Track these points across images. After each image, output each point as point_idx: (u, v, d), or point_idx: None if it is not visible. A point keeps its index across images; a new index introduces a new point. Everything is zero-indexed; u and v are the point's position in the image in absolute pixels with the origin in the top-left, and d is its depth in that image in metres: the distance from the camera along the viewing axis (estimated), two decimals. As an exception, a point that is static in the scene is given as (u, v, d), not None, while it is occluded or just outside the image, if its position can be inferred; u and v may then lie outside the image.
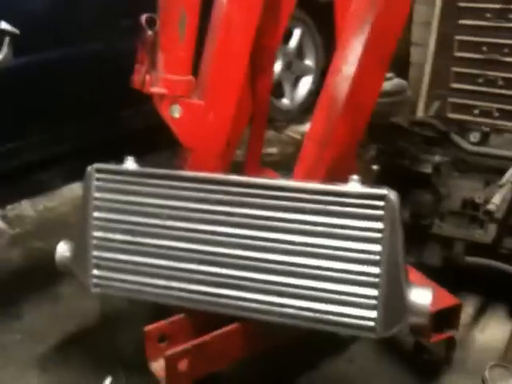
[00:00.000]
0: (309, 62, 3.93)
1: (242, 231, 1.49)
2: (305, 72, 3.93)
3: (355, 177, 1.42)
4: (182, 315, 1.60)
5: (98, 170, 1.60)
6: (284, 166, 2.74)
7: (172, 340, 1.58)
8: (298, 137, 3.62)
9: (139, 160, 1.61)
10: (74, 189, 2.82)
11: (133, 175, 1.59)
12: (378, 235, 1.39)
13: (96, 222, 1.60)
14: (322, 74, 3.86)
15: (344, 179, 1.44)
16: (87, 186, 1.60)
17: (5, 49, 1.57)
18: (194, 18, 1.66)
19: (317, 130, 1.70)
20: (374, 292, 1.40)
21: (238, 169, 2.32)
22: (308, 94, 3.91)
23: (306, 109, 3.84)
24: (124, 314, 1.98)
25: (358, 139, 1.74)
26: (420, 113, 2.99)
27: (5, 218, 2.66)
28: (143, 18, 1.60)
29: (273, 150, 3.45)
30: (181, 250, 1.53)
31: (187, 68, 1.69)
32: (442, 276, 1.84)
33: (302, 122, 3.78)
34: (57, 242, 1.70)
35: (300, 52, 3.88)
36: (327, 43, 3.81)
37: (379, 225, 1.39)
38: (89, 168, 1.60)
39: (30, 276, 2.27)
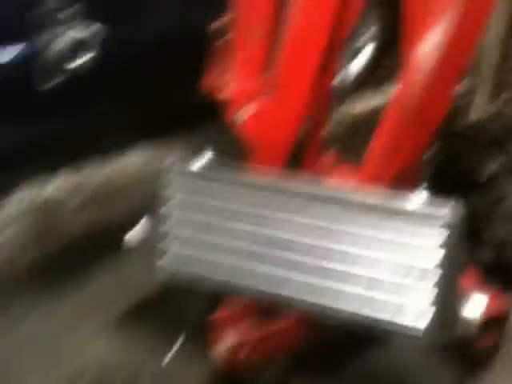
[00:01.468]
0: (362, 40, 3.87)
1: (304, 238, 1.57)
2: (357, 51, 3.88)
3: (420, 188, 1.49)
4: (243, 305, 1.71)
5: (171, 168, 1.69)
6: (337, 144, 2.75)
7: (234, 328, 1.69)
8: (351, 116, 3.62)
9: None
10: (135, 160, 2.89)
11: (205, 176, 1.67)
12: (440, 249, 1.46)
13: (166, 215, 1.70)
14: (375, 52, 3.82)
15: (408, 187, 1.50)
16: (161, 181, 1.69)
17: None
18: (269, 21, 1.69)
19: (385, 137, 1.74)
20: (428, 303, 1.48)
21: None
22: (359, 72, 3.87)
23: (357, 88, 3.81)
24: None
25: (426, 146, 1.78)
26: (479, 107, 2.92)
27: (64, 188, 2.71)
28: (214, 25, 1.64)
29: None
30: (244, 249, 1.63)
31: (257, 70, 1.73)
32: (495, 277, 1.89)
33: (353, 100, 3.76)
34: (117, 214, 1.78)
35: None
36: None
37: (441, 238, 1.45)
38: (163, 164, 1.69)
39: (92, 248, 2.37)
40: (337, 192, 1.58)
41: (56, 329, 2.07)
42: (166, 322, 2.04)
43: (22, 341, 2.03)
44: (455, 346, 1.81)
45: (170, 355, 1.92)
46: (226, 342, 1.63)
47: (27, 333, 2.06)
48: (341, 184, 1.84)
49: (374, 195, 1.53)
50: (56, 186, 2.69)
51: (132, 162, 2.88)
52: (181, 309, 2.08)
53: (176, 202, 1.68)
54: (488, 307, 1.61)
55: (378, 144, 1.73)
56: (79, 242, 2.45)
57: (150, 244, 1.72)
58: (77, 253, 2.37)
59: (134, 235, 1.78)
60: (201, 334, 1.74)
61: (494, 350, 1.83)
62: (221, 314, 1.71)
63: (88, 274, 2.26)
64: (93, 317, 2.10)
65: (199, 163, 1.67)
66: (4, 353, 1.98)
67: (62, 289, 2.21)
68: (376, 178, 1.71)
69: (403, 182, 1.61)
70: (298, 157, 2.29)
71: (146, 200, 1.85)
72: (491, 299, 1.73)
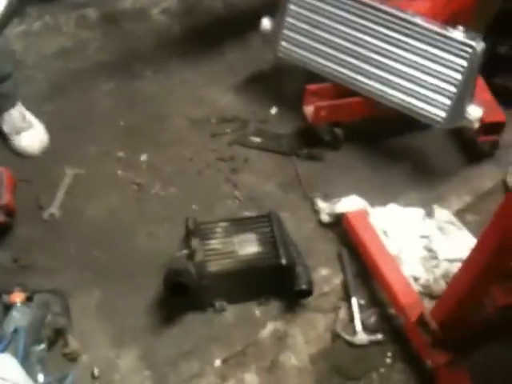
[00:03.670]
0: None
1: (376, 41, 2.40)
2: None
3: (461, 28, 2.23)
4: (329, 84, 2.57)
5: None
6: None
7: (320, 97, 2.58)
8: None
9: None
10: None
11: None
12: (461, 69, 2.25)
13: (291, 13, 2.51)
14: None
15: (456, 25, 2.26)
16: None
17: None
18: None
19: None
20: (447, 101, 2.31)
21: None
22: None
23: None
24: (291, 70, 2.87)
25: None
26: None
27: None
28: None
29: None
30: (342, 45, 2.47)
31: None
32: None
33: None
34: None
35: None
36: None
37: (464, 63, 2.24)
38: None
39: (230, 24, 3.20)
40: (410, 16, 2.34)
41: (197, 84, 2.98)
42: (274, 89, 2.94)
43: (175, 86, 2.96)
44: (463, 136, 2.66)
45: (272, 110, 2.85)
46: (313, 104, 2.53)
47: (179, 81, 2.99)
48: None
49: (429, 23, 2.29)
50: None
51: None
52: (285, 81, 2.96)
53: (301, 2, 2.48)
54: (488, 113, 2.41)
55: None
56: (218, 20, 3.28)
57: (277, 29, 2.55)
58: (214, 30, 3.20)
59: (267, 20, 2.60)
60: (297, 99, 2.64)
61: (493, 146, 2.65)
62: (312, 86, 2.58)
63: (226, 45, 3.12)
64: (223, 80, 2.99)
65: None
66: (159, 93, 2.93)
67: (200, 59, 3.06)
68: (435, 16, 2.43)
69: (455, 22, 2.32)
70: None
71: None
72: (493, 109, 2.52)
